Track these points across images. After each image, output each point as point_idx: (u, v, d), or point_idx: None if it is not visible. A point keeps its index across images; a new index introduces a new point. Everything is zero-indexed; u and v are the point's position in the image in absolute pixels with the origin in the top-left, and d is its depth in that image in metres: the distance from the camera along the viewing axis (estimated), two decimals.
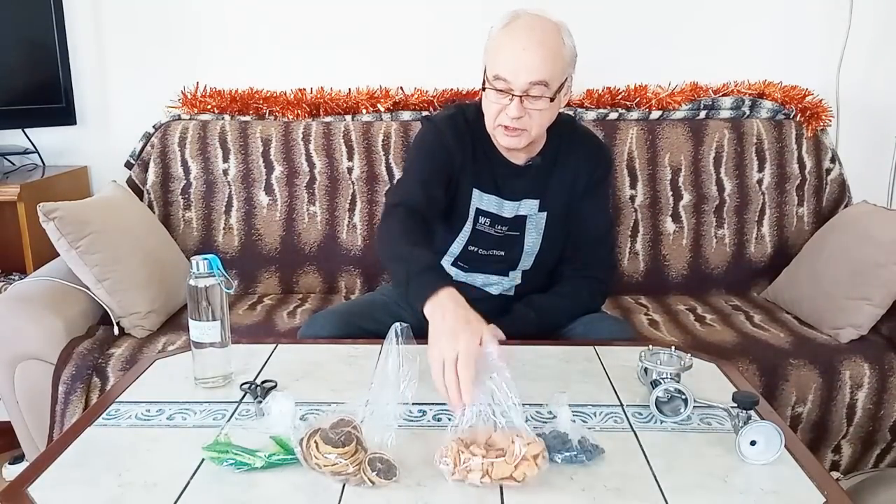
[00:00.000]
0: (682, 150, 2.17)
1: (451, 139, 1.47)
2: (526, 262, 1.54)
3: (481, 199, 1.50)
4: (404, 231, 1.30)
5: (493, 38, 1.39)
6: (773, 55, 2.28)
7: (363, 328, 1.48)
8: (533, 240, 1.53)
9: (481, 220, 1.50)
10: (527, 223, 1.52)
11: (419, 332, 1.09)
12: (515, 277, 1.56)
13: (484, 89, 1.40)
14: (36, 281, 1.85)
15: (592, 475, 0.95)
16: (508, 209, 1.51)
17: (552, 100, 1.36)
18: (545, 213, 1.52)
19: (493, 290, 1.56)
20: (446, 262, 1.55)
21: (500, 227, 1.51)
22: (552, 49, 1.34)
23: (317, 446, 0.93)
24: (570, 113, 2.17)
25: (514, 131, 1.38)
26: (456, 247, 1.53)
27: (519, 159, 1.50)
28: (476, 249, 1.53)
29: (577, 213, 1.54)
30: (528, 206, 1.52)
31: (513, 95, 1.34)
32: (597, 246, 1.58)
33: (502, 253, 1.53)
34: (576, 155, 1.53)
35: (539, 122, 1.39)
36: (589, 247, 1.57)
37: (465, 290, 1.48)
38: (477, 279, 1.55)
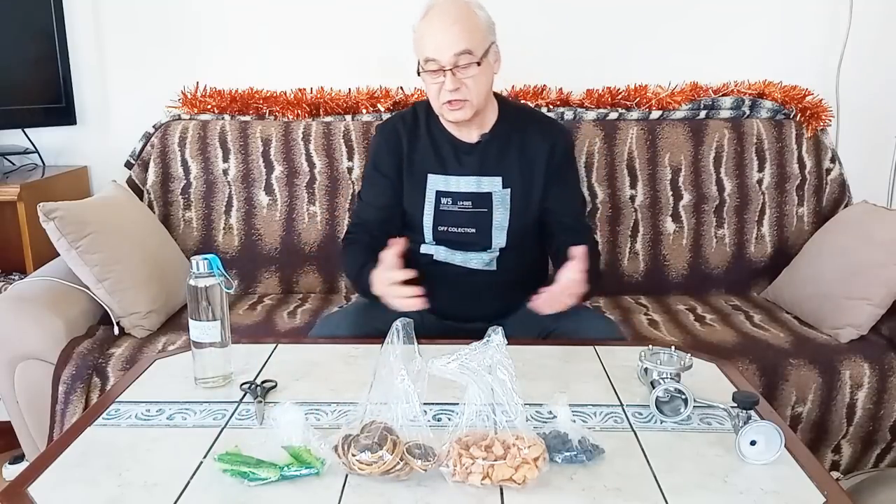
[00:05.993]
0: (682, 150, 2.17)
1: (392, 143, 1.63)
2: (499, 238, 1.60)
3: (437, 182, 1.60)
4: (351, 259, 1.61)
5: (416, 31, 1.53)
6: (772, 55, 2.28)
7: (378, 328, 1.48)
8: (501, 215, 1.60)
9: (443, 200, 1.60)
10: (493, 199, 1.59)
11: (420, 332, 1.09)
12: (494, 251, 1.62)
13: (419, 74, 1.53)
14: (36, 281, 1.85)
15: (592, 475, 0.95)
16: (465, 184, 1.59)
17: (479, 64, 1.48)
18: (509, 190, 1.59)
19: (474, 265, 1.63)
20: (428, 244, 1.63)
21: (463, 204, 1.60)
22: (467, 21, 1.49)
23: (356, 458, 0.93)
24: (571, 113, 2.18)
25: (457, 104, 1.51)
26: (427, 229, 1.62)
27: (471, 137, 1.60)
28: (446, 228, 1.61)
29: (547, 198, 1.61)
30: (491, 183, 1.59)
31: (444, 70, 1.48)
32: (574, 231, 1.62)
33: (474, 230, 1.60)
34: (530, 132, 1.62)
35: (477, 90, 1.50)
36: (567, 234, 1.60)
37: (446, 268, 1.61)
38: (456, 257, 1.62)
